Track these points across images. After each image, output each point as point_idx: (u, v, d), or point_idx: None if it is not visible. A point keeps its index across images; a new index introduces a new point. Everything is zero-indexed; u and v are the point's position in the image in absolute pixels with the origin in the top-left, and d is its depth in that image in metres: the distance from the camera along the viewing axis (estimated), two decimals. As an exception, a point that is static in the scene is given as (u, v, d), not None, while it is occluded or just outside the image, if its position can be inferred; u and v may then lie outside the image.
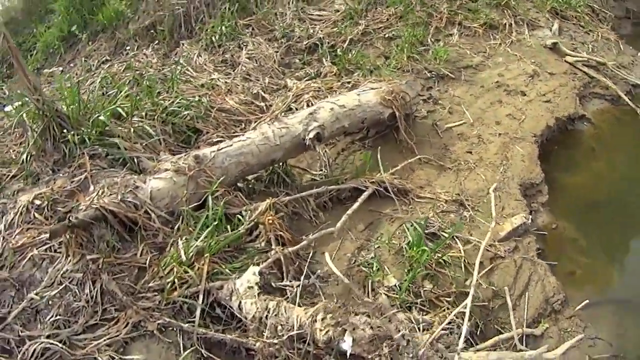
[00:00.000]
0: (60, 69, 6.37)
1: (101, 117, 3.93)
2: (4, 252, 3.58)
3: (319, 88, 4.85)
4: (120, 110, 4.05)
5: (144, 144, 3.94)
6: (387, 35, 5.84)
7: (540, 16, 6.17)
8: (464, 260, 3.24)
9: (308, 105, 4.61)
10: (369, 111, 4.22)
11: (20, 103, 5.90)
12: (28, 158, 4.22)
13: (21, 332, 2.96)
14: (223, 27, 5.77)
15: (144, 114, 4.22)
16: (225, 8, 6.06)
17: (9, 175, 4.38)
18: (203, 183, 3.42)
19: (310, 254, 3.29)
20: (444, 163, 4.17)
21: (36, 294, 3.13)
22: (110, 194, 3.32)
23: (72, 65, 6.36)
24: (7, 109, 6.16)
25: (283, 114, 4.46)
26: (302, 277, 3.09)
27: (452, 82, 5.15)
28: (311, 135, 3.75)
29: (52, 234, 3.15)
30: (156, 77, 4.90)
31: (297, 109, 4.57)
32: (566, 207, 4.03)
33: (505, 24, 5.89)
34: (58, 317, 2.98)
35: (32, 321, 3.04)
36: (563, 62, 5.54)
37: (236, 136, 4.27)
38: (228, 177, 3.52)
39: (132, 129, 3.98)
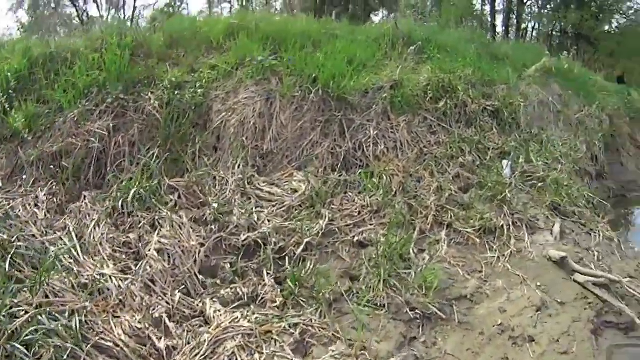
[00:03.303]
0: None
1: None
2: None
3: (251, 330, 3.12)
4: None
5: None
6: (357, 239, 4.39)
7: (540, 213, 5.05)
8: None
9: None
10: None
11: None
12: None
13: None
14: (142, 190, 4.00)
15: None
16: (152, 155, 4.34)
17: None
18: None
19: None
20: None
21: None
22: None
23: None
24: None
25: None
26: None
27: (442, 326, 3.68)
28: None
29: None
30: (31, 250, 3.07)
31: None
32: None
33: (503, 225, 4.71)
34: None
35: None
36: (571, 281, 4.34)
37: None
38: None
39: None
